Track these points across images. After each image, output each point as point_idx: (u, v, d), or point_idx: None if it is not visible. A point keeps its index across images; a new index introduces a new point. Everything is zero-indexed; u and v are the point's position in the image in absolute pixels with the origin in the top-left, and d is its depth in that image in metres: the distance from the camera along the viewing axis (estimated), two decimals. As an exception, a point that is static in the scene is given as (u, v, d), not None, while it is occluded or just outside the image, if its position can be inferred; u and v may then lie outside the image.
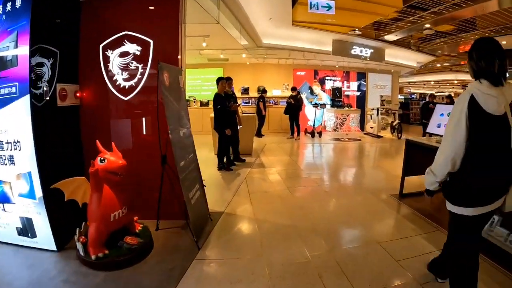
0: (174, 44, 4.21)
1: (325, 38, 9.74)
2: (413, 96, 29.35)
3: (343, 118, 14.01)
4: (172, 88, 3.67)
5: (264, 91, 12.46)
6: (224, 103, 6.72)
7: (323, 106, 12.86)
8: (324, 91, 14.50)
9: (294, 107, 11.51)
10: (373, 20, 8.16)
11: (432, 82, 23.77)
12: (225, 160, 7.26)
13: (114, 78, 4.24)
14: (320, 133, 12.62)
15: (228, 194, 5.43)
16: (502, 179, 2.08)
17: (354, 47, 10.39)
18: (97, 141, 3.16)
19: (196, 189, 3.92)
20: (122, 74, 4.25)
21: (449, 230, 2.43)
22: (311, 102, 13.55)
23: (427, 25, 8.22)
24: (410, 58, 13.14)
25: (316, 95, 14.26)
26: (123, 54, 4.27)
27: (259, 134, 12.41)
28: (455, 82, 22.07)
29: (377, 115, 13.30)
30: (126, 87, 4.24)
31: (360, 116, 14.59)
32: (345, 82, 14.86)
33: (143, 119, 4.23)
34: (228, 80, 7.39)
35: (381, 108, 13.54)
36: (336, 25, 8.70)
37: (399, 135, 12.67)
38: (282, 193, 5.46)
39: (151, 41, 4.18)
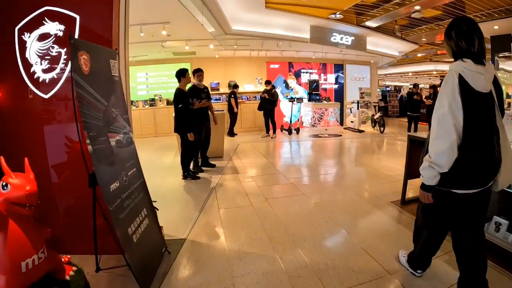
0: (108, 19, 3.13)
1: (302, 23, 8.75)
2: (388, 88, 28.91)
3: (321, 113, 13.15)
4: (96, 78, 2.54)
5: (236, 86, 11.43)
6: (186, 100, 5.62)
7: (299, 100, 11.94)
8: (300, 84, 13.58)
9: (268, 102, 10.53)
10: (355, 1, 7.21)
11: (410, 74, 23.31)
12: (192, 165, 6.20)
13: (32, 70, 3.16)
14: (297, 130, 11.69)
15: (192, 211, 4.36)
16: (491, 159, 2.02)
17: (333, 34, 9.45)
18: (1, 157, 2.03)
19: (141, 218, 2.82)
20: (41, 64, 3.16)
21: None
22: (286, 96, 12.59)
23: (417, 7, 7.35)
24: (391, 47, 12.39)
25: (292, 89, 13.33)
26: (42, 37, 3.16)
27: (231, 133, 11.37)
28: (434, 73, 21.68)
29: (357, 108, 12.50)
30: (46, 80, 3.14)
31: (339, 110, 13.77)
32: (322, 74, 13.99)
33: (69, 124, 3.12)
34: (198, 71, 6.31)
35: (361, 101, 12.74)
36: (314, 7, 7.71)
37: (382, 129, 11.92)
38: (260, 208, 4.43)
39: (77, 17, 3.10)
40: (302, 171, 6.71)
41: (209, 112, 6.55)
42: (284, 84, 13.33)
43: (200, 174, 6.21)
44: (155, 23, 7.13)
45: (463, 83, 1.91)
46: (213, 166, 6.78)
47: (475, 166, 1.99)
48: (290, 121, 11.80)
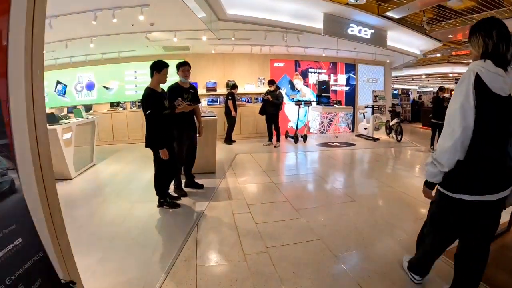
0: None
1: (315, 9, 7.28)
2: (395, 91, 27.41)
3: (331, 118, 11.68)
4: None
5: (234, 86, 10.00)
6: (158, 104, 4.19)
7: (307, 103, 10.47)
8: (307, 85, 12.12)
9: (272, 105, 9.09)
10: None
11: (424, 76, 21.86)
12: (173, 187, 4.80)
13: None
14: (304, 137, 10.24)
15: (155, 272, 2.91)
16: (502, 166, 1.94)
17: (351, 25, 7.98)
18: None
19: None
20: None
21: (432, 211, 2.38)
22: (292, 99, 11.12)
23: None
24: (413, 45, 10.94)
25: (298, 91, 11.88)
26: None
27: (229, 141, 9.96)
28: (450, 75, 20.20)
29: (372, 113, 11.03)
30: None
31: (351, 115, 12.31)
32: (332, 75, 12.52)
33: None
34: (183, 65, 4.92)
35: (376, 105, 11.28)
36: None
37: (399, 137, 10.45)
38: (258, 266, 2.98)
39: None
40: (314, 198, 5.23)
41: (195, 119, 5.13)
42: (289, 85, 11.89)
43: (183, 200, 4.78)
44: (131, 6, 5.69)
45: (479, 83, 1.84)
46: (201, 187, 5.37)
47: (483, 169, 1.90)
48: (296, 127, 10.34)
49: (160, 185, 4.48)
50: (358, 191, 5.44)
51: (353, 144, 9.93)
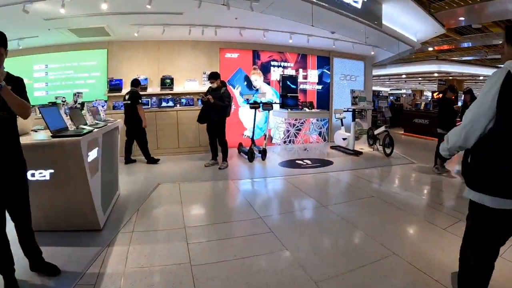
0: None
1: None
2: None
3: (300, 125, 8.92)
4: None
5: (136, 82, 7.01)
6: None
7: (267, 106, 7.68)
8: (269, 83, 9.38)
9: (214, 109, 6.31)
10: None
11: (404, 76, 19.80)
12: None
13: None
14: (263, 153, 7.46)
15: None
16: None
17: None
18: None
19: None
20: None
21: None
22: (248, 100, 8.30)
23: None
24: (410, 28, 8.43)
25: (257, 90, 9.13)
26: None
27: (150, 160, 7.03)
28: (435, 74, 18.16)
29: (353, 120, 8.43)
30: None
31: (325, 122, 9.65)
32: (301, 70, 9.83)
33: None
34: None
35: (358, 109, 8.71)
36: None
37: (388, 150, 7.96)
38: None
39: None
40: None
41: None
42: (245, 82, 9.11)
43: None
44: None
45: (510, 81, 1.75)
46: (53, 271, 2.54)
47: (503, 170, 1.78)
48: (252, 138, 7.55)
49: None
50: (344, 266, 2.68)
51: (330, 163, 7.28)
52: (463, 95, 6.78)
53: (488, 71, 17.55)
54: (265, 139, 7.80)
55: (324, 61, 10.22)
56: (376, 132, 8.89)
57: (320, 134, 9.65)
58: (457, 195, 5.02)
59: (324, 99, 10.27)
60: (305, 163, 7.17)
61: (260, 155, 7.43)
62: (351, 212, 4.26)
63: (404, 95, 22.41)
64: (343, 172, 6.51)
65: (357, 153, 8.26)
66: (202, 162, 7.01)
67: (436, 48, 12.69)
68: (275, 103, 8.16)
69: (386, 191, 5.28)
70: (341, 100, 10.44)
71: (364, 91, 10.12)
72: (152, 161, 7.02)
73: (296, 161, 7.35)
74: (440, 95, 19.10)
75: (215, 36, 7.89)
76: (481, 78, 19.56)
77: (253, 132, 7.55)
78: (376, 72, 17.10)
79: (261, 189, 5.53)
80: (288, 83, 8.43)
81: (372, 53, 9.88)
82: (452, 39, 10.72)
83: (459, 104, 7.38)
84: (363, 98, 9.62)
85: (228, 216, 4.22)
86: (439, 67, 15.56)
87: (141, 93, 7.05)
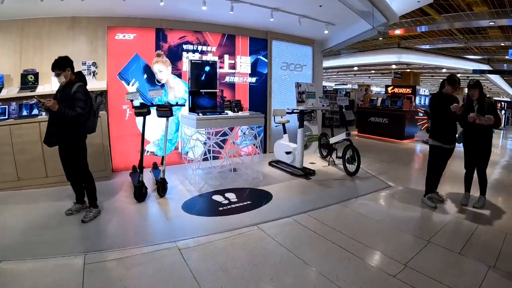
0: None
1: None
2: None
3: (225, 134, 6.10)
4: None
5: None
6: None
7: (164, 111, 4.78)
8: (180, 75, 6.55)
9: (63, 121, 3.53)
10: None
11: (356, 68, 17.88)
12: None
13: None
14: (161, 186, 4.64)
15: None
16: None
17: None
18: None
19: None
20: None
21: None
22: (148, 100, 5.41)
23: None
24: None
25: (163, 85, 6.32)
26: None
27: None
28: (393, 66, 16.28)
29: (300, 125, 5.86)
30: None
31: (264, 127, 7.01)
32: (227, 56, 7.10)
33: None
34: None
35: (307, 108, 6.19)
36: None
37: (353, 167, 5.59)
38: None
39: None
40: None
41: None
42: (145, 75, 6.22)
43: None
44: None
45: None
46: None
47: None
48: (141, 161, 4.71)
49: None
50: None
51: (267, 196, 4.70)
52: (466, 91, 4.39)
53: (456, 63, 15.97)
54: (162, 161, 4.87)
55: (260, 44, 7.55)
56: (332, 140, 6.42)
57: (256, 145, 7.01)
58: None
59: (259, 96, 7.62)
60: (227, 201, 4.46)
61: (157, 192, 4.63)
62: None
63: (352, 91, 20.58)
64: (289, 221, 3.88)
65: (308, 174, 5.73)
66: (66, 204, 4.09)
67: (403, 32, 10.66)
68: (181, 105, 5.31)
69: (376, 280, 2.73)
70: (283, 97, 7.89)
71: (313, 84, 7.61)
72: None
73: (214, 197, 4.64)
74: (396, 90, 17.52)
75: (100, 8, 4.99)
76: (444, 70, 18.01)
77: (141, 150, 4.68)
78: (325, 63, 14.97)
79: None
80: (202, 73, 5.63)
81: (326, 31, 7.35)
82: (430, 18, 8.77)
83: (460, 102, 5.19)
84: (311, 94, 7.12)
85: None
86: (399, 57, 13.82)
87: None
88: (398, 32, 10.50)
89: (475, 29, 10.56)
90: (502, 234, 3.57)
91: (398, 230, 3.67)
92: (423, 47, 13.47)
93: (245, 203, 4.40)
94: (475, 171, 4.44)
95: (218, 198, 4.60)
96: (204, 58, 6.64)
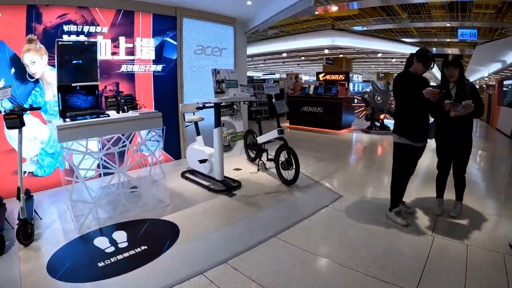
0: None
1: None
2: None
3: (122, 144, 4.65)
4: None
5: None
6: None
7: (11, 119, 3.29)
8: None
9: None
10: None
11: (285, 54, 17.67)
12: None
13: None
14: (23, 229, 3.19)
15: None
16: None
17: None
18: None
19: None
20: None
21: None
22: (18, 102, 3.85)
23: None
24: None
25: (37, 80, 4.76)
26: None
27: None
28: (326, 51, 15.67)
29: (217, 123, 4.62)
30: None
31: (175, 127, 5.69)
32: (123, 38, 5.61)
33: None
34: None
35: (226, 101, 5.02)
36: None
37: (290, 173, 4.70)
38: None
39: None
40: None
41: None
42: (12, 69, 4.56)
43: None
44: None
45: None
46: None
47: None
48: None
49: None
50: None
51: (172, 232, 3.52)
52: (446, 70, 3.30)
53: (392, 47, 15.58)
54: (18, 194, 3.33)
55: (167, 23, 6.14)
56: (261, 140, 5.30)
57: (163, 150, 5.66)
58: None
59: (167, 89, 6.24)
60: (113, 248, 3.15)
61: (21, 236, 3.19)
62: None
63: (281, 80, 19.97)
64: (199, 283, 2.62)
65: (230, 188, 4.56)
66: None
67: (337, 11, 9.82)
68: (37, 108, 3.80)
69: None
70: (199, 88, 6.63)
71: (235, 71, 6.38)
72: None
73: (97, 241, 3.29)
74: (328, 77, 16.96)
75: None
76: (379, 55, 17.62)
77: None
78: (250, 50, 13.90)
79: None
80: (75, 59, 4.11)
81: (249, 2, 6.11)
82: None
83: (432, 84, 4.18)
84: (233, 82, 5.93)
85: None
86: (332, 40, 13.09)
87: None
88: (335, 8, 9.56)
89: (419, 7, 10.01)
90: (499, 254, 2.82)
91: (369, 281, 2.54)
92: (359, 28, 12.80)
93: (139, 249, 3.11)
94: (451, 171, 3.57)
95: (101, 242, 3.25)
96: (91, 41, 5.09)
